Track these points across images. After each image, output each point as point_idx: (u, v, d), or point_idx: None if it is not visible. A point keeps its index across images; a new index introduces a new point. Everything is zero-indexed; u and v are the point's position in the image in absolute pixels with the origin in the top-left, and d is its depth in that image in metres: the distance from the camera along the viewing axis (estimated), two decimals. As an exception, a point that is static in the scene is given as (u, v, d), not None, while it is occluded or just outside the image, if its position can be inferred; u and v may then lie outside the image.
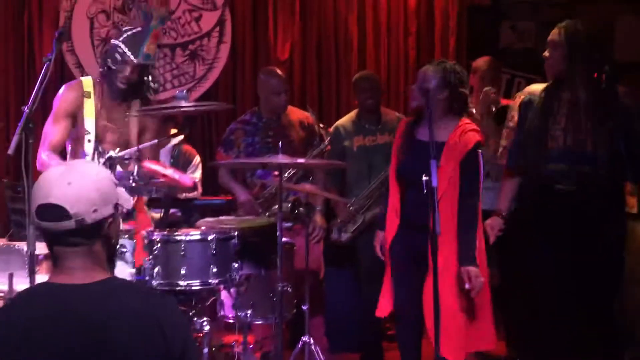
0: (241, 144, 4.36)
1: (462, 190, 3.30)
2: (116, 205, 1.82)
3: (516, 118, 3.63)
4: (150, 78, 3.56)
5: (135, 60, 3.44)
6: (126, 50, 3.44)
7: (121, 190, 1.87)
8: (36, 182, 1.80)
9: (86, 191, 1.75)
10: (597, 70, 3.35)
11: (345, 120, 4.63)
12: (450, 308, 3.19)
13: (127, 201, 1.89)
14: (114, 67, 3.47)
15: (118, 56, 3.45)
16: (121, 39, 3.48)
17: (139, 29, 3.49)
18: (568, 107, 3.36)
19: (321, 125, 4.38)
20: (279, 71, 4.49)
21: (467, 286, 3.23)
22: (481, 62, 4.73)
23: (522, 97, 3.62)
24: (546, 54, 3.47)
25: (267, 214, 4.20)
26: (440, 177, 3.06)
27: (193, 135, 5.60)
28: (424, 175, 2.95)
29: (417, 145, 3.38)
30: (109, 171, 1.91)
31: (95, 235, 1.78)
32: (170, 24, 5.77)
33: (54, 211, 1.73)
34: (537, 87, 3.58)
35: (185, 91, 3.29)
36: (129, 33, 3.50)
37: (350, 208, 4.37)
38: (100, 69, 3.58)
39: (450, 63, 3.43)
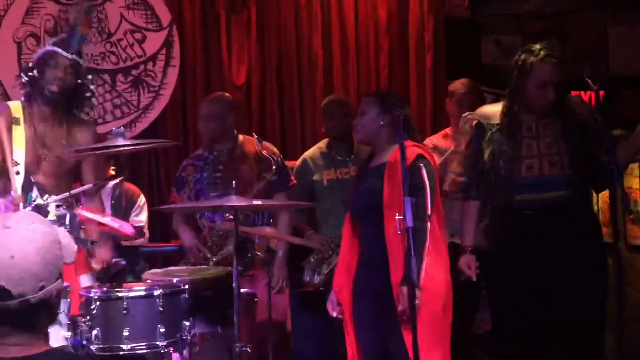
0: (191, 181, 4.34)
1: None
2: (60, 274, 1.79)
3: (463, 144, 3.71)
4: (85, 84, 3.67)
5: (69, 57, 3.54)
6: (59, 50, 3.57)
7: (66, 242, 1.83)
8: None
9: (30, 265, 1.72)
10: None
11: (313, 151, 4.63)
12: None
13: (71, 255, 1.86)
14: (45, 72, 3.49)
15: (51, 60, 3.57)
16: (52, 42, 3.66)
17: (65, 34, 3.75)
18: (536, 131, 3.55)
19: (264, 152, 4.29)
20: (226, 95, 4.51)
21: (399, 308, 3.20)
22: (458, 84, 4.77)
23: (474, 122, 3.67)
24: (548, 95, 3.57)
25: (214, 259, 4.13)
26: (384, 198, 3.24)
27: (138, 172, 5.54)
28: (397, 214, 2.96)
29: (364, 174, 3.54)
30: (53, 228, 1.82)
31: (39, 311, 1.76)
32: (110, 47, 5.75)
33: None
34: (489, 110, 3.67)
35: (122, 127, 3.31)
36: (58, 37, 3.74)
37: (331, 244, 4.27)
38: (27, 79, 3.57)
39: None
